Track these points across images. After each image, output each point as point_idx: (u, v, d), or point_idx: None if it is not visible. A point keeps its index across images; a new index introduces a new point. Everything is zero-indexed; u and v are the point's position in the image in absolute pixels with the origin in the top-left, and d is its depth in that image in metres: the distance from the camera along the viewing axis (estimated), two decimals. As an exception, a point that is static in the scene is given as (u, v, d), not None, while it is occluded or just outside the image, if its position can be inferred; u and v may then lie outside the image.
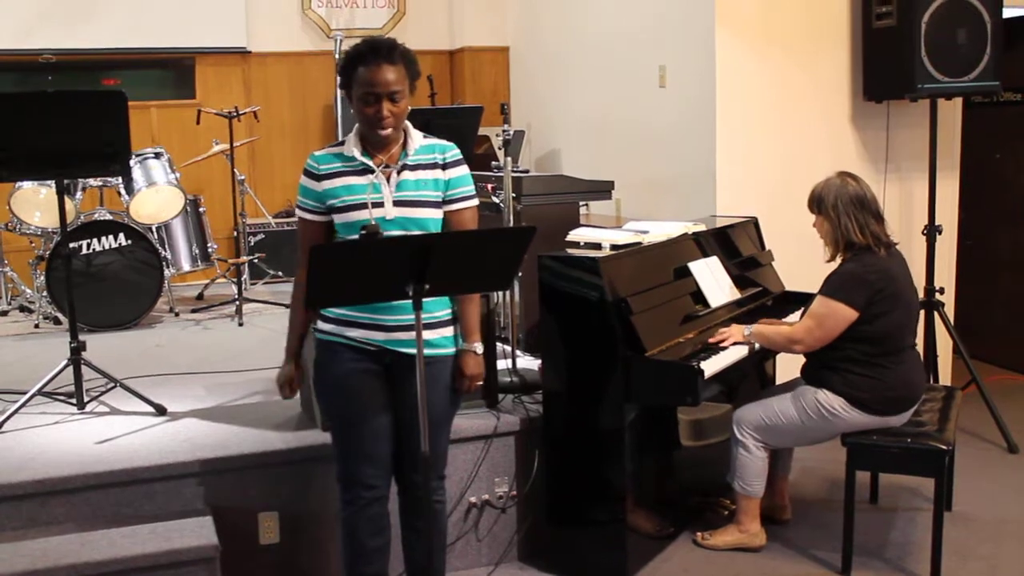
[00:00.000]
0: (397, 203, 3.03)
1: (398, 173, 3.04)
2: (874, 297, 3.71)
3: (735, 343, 3.91)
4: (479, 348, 3.21)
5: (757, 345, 3.94)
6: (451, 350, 3.18)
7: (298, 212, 3.13)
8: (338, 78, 3.06)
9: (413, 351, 2.98)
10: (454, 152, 3.14)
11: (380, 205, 3.01)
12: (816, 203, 3.89)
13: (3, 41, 7.21)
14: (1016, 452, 5.13)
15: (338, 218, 3.05)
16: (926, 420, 3.90)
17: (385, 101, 2.95)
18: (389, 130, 2.99)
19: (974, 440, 5.27)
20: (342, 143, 3.10)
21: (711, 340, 3.93)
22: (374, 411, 3.10)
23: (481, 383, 3.26)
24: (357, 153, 3.03)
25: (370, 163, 3.03)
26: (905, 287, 3.85)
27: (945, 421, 3.90)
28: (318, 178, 3.05)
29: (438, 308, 3.12)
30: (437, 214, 3.09)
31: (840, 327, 3.73)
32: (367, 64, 2.94)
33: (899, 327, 3.82)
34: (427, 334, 3.07)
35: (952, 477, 4.41)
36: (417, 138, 3.11)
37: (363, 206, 3.01)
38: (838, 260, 3.89)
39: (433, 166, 3.09)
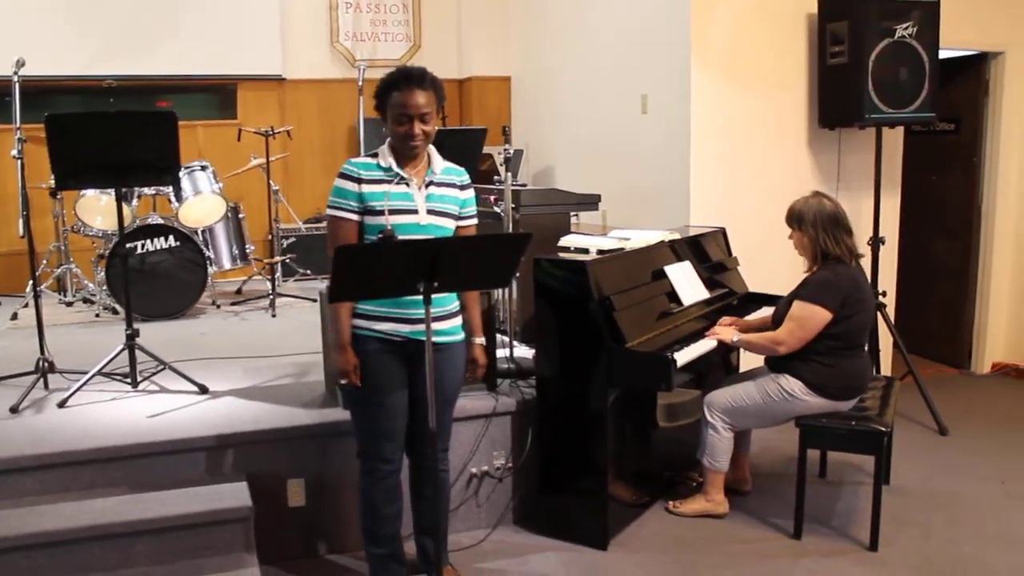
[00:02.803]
0: (430, 212, 3.04)
1: (427, 187, 3.06)
2: (845, 301, 3.72)
3: (721, 340, 3.94)
4: (483, 341, 3.30)
5: (735, 338, 3.96)
6: (461, 336, 3.22)
7: (333, 213, 3.03)
8: (374, 100, 3.04)
9: (435, 339, 3.03)
10: (467, 177, 3.20)
11: (415, 212, 3.03)
12: (796, 220, 3.87)
13: (73, 68, 7.23)
14: (946, 434, 5.14)
15: (376, 220, 3.00)
16: (868, 405, 3.91)
17: (416, 121, 2.96)
18: (419, 145, 3.01)
19: (910, 424, 5.28)
20: (375, 155, 3.08)
21: (707, 335, 3.95)
22: (394, 395, 3.11)
23: (485, 370, 3.31)
24: (394, 165, 3.03)
25: (407, 175, 3.04)
26: (867, 294, 3.87)
27: (885, 407, 3.91)
28: (359, 181, 3.01)
29: (449, 302, 3.15)
30: (453, 225, 3.12)
31: (818, 327, 3.72)
32: (401, 89, 2.95)
33: (860, 327, 3.84)
34: (443, 324, 3.13)
35: (890, 455, 4.42)
36: (439, 159, 3.13)
37: (404, 211, 3.00)
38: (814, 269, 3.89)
39: (453, 186, 3.13)
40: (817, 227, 3.79)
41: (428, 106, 2.97)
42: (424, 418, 2.96)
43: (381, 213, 3.00)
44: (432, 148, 3.13)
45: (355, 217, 3.03)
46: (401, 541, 3.35)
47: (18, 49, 5.10)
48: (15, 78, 4.42)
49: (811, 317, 3.73)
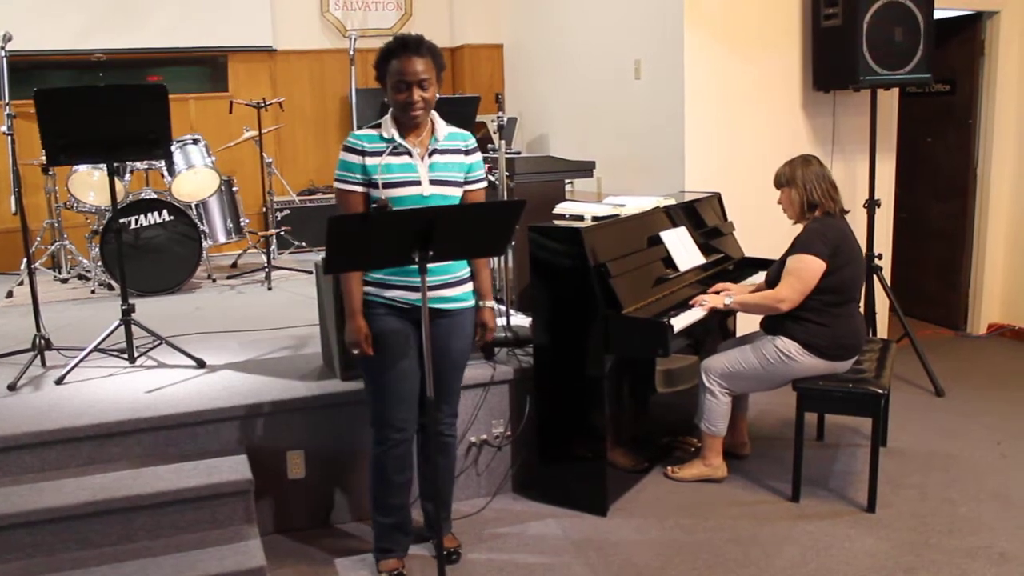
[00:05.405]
0: (433, 182, 3.03)
1: (430, 155, 3.04)
2: (835, 251, 3.75)
3: (712, 307, 3.89)
4: (493, 304, 3.30)
5: (728, 300, 3.93)
6: (472, 303, 3.22)
7: (339, 185, 3.07)
8: (375, 72, 3.04)
9: (443, 306, 3.07)
10: (473, 141, 3.19)
11: (417, 183, 3.01)
12: (785, 178, 3.91)
13: (62, 42, 7.15)
14: (942, 396, 5.15)
15: (383, 191, 3.00)
16: (865, 368, 3.91)
17: (415, 88, 2.95)
18: (419, 113, 2.99)
19: (906, 386, 5.29)
20: (378, 125, 3.07)
21: (691, 303, 3.92)
22: (405, 361, 3.11)
23: (495, 333, 3.33)
24: (397, 136, 3.02)
25: (409, 146, 3.03)
26: (856, 247, 3.89)
27: (882, 369, 3.92)
28: (362, 154, 3.02)
29: (459, 268, 3.14)
30: (459, 192, 3.11)
31: (815, 277, 3.74)
32: (398, 57, 2.94)
33: (852, 280, 3.85)
34: (453, 291, 3.13)
35: (887, 417, 4.44)
36: (443, 125, 3.11)
37: (407, 183, 3.00)
38: (801, 226, 3.90)
39: (458, 151, 3.11)
40: (806, 179, 3.85)
41: (426, 72, 2.95)
42: (436, 384, 2.95)
43: (389, 186, 3.00)
44: (436, 115, 3.12)
45: (360, 189, 3.05)
46: (409, 511, 3.37)
47: (4, 24, 5.03)
48: (2, 53, 4.36)
49: (806, 268, 3.74)
